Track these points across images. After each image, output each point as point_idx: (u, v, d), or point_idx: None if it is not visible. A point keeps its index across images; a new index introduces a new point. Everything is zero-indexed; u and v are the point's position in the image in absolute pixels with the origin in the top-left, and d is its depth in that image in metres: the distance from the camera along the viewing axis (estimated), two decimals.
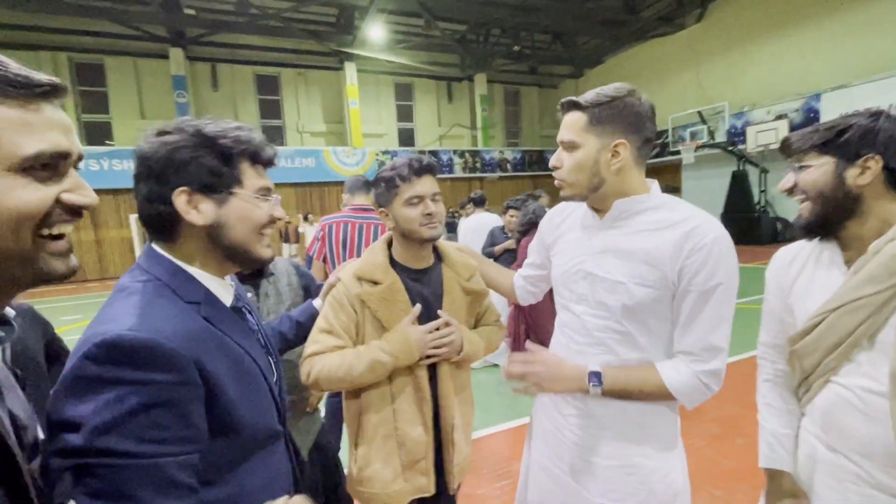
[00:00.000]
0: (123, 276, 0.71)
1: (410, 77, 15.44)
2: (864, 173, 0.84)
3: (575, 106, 0.98)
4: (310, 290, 1.52)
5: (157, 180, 0.68)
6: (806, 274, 0.97)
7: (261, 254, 0.77)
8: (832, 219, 0.90)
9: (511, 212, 3.98)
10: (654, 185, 1.02)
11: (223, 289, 0.78)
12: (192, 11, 11.56)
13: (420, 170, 1.19)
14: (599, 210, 1.03)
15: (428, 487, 1.23)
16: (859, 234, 0.88)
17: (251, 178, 0.75)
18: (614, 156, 0.95)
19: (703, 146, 11.39)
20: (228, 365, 0.69)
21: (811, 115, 9.68)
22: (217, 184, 0.71)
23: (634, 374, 0.97)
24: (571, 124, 0.98)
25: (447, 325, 1.21)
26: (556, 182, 1.03)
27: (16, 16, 10.43)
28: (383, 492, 1.20)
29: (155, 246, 0.73)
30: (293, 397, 1.37)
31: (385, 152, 14.07)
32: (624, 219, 0.99)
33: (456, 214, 8.05)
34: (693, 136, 11.93)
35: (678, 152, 12.08)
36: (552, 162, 1.03)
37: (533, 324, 3.49)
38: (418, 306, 1.19)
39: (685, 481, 1.05)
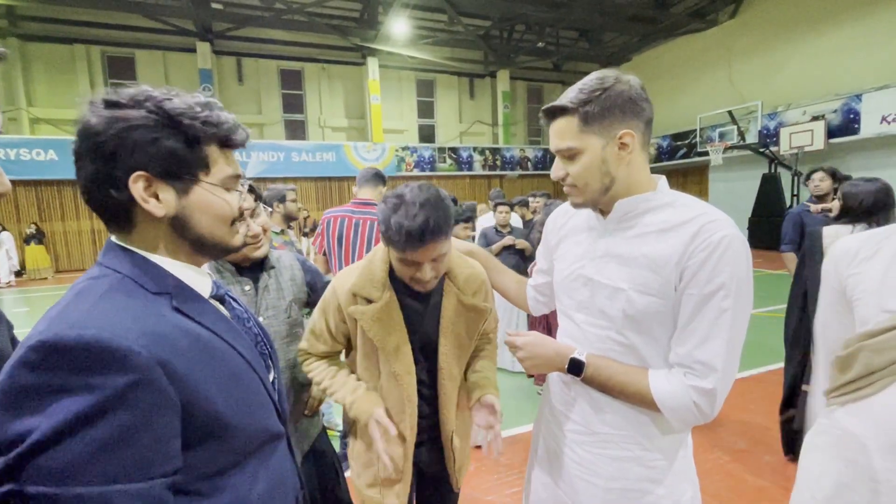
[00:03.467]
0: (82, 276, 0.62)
1: (432, 73, 15.36)
2: None
3: (561, 111, 0.88)
4: (315, 286, 1.46)
5: (107, 160, 0.58)
6: (876, 266, 0.89)
7: (232, 243, 0.70)
8: None
9: (501, 208, 3.85)
10: (662, 180, 0.93)
11: (199, 277, 0.69)
12: (219, 6, 11.75)
13: (422, 239, 0.96)
14: (604, 210, 0.94)
15: None
16: None
17: (219, 164, 0.65)
18: (622, 148, 0.86)
19: (733, 147, 10.96)
20: (208, 363, 0.60)
21: (851, 117, 9.19)
22: (180, 170, 0.62)
23: (621, 372, 0.89)
24: (564, 131, 0.88)
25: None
26: (565, 190, 0.94)
27: (52, 9, 10.77)
28: (362, 491, 1.20)
29: (114, 238, 0.64)
30: (290, 399, 1.31)
31: (405, 148, 14.04)
32: (628, 220, 0.90)
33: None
34: (722, 136, 11.49)
35: (706, 153, 11.68)
36: (554, 174, 0.93)
37: (554, 321, 3.39)
38: (387, 427, 1.07)
39: None
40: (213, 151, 0.65)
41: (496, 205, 3.91)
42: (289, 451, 0.78)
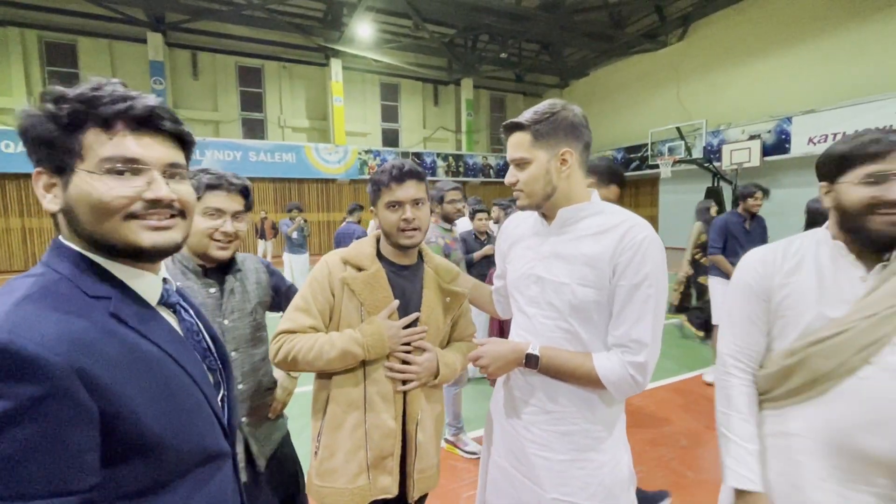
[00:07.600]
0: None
1: (397, 77, 15.35)
2: None
3: (518, 127, 1.07)
4: (279, 289, 1.45)
5: (29, 158, 0.59)
6: (806, 277, 0.95)
7: (133, 241, 0.60)
8: None
9: (479, 215, 3.83)
10: (594, 193, 1.12)
11: (148, 282, 0.65)
12: None
13: (401, 176, 1.19)
14: (548, 217, 1.12)
15: (391, 488, 1.19)
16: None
17: (97, 146, 0.57)
18: (563, 163, 1.05)
19: (681, 161, 11.67)
20: (139, 374, 0.56)
21: (782, 137, 10.03)
22: (59, 160, 0.57)
23: (569, 359, 1.04)
24: (518, 143, 1.07)
25: (422, 331, 1.22)
26: (514, 194, 1.12)
27: None
28: (346, 487, 1.16)
29: (62, 237, 0.61)
30: (254, 403, 1.29)
31: (368, 151, 13.93)
32: (569, 225, 1.08)
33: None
34: (671, 150, 12.21)
35: (657, 166, 12.36)
36: (508, 179, 1.11)
37: (507, 324, 3.45)
38: (396, 302, 1.20)
39: (631, 471, 1.11)
40: (92, 135, 0.58)
41: (474, 211, 3.85)
42: (233, 472, 0.74)
